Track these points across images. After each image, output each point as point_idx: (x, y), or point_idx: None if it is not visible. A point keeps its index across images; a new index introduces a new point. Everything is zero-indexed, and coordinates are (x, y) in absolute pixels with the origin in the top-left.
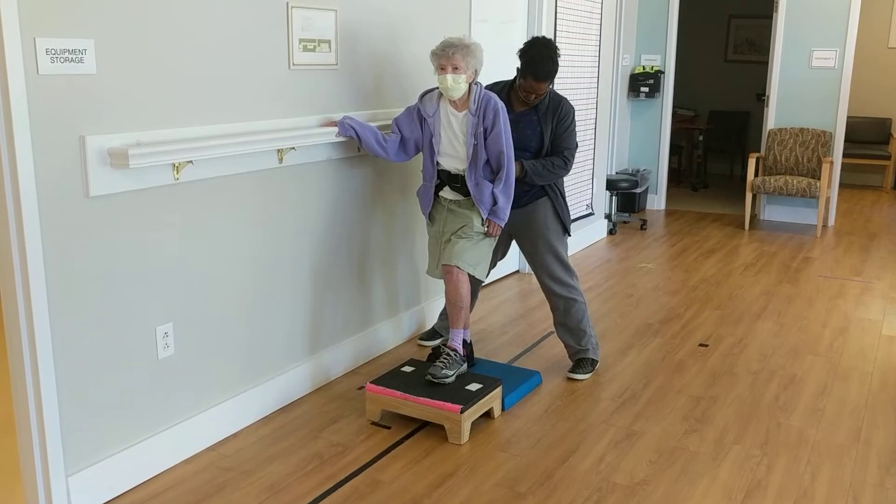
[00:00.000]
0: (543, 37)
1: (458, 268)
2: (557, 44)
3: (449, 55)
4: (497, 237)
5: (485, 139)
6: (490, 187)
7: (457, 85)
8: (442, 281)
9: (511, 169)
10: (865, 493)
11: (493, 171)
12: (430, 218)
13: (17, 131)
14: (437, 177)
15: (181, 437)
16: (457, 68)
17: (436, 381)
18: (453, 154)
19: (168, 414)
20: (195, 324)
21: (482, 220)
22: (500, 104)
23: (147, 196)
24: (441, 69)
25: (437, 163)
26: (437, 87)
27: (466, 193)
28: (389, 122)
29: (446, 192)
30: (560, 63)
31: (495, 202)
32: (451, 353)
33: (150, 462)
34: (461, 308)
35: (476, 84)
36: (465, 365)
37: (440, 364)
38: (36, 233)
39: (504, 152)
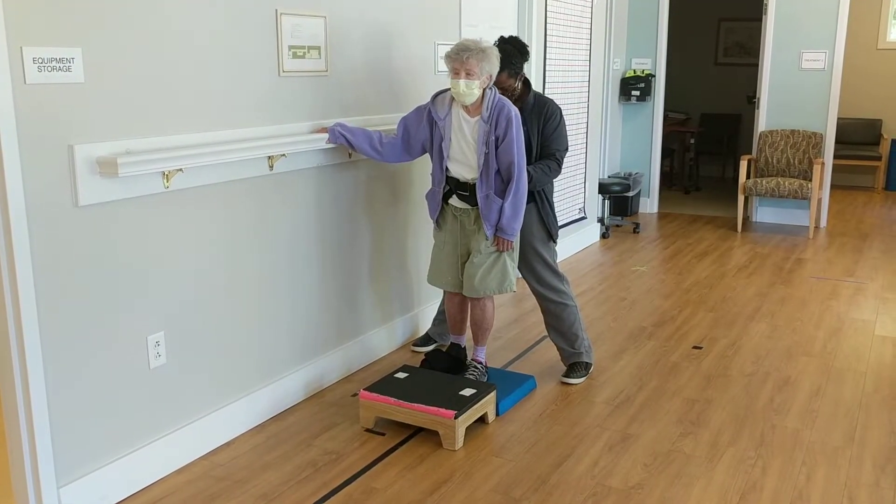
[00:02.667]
0: (510, 36)
1: (487, 295)
2: (547, 48)
3: (463, 59)
4: (515, 248)
5: (496, 148)
6: (499, 203)
7: (470, 91)
8: (437, 287)
9: (522, 180)
10: (861, 493)
11: (504, 182)
12: (438, 224)
13: (5, 141)
14: (445, 182)
15: (174, 447)
16: (470, 73)
17: None
18: (463, 161)
19: (160, 423)
20: (187, 333)
21: (488, 239)
22: (515, 111)
23: (137, 205)
24: (454, 73)
25: (447, 168)
26: (450, 89)
27: (474, 203)
28: (381, 127)
29: (454, 200)
30: (524, 56)
31: (501, 217)
32: (478, 366)
33: (142, 472)
34: (487, 329)
35: (490, 89)
36: (487, 375)
37: (471, 377)
38: (25, 243)
39: (515, 162)
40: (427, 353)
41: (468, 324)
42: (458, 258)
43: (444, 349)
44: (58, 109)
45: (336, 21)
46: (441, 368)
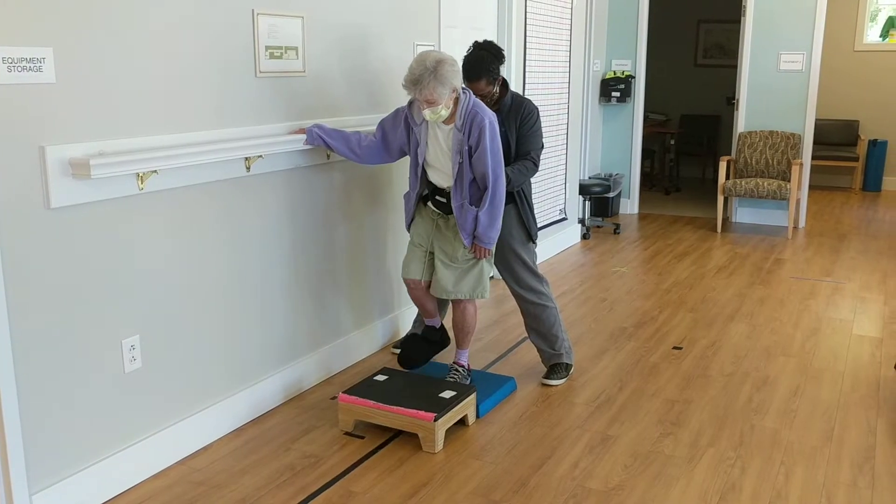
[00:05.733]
0: (485, 41)
1: (459, 299)
2: (527, 49)
3: (417, 94)
4: (492, 255)
5: (470, 157)
6: (474, 213)
7: (437, 115)
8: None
9: (498, 188)
10: (839, 492)
11: (481, 190)
12: (410, 226)
13: None
14: (422, 187)
15: (150, 452)
16: (430, 102)
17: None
18: (440, 168)
19: (136, 428)
20: (163, 336)
21: (465, 247)
22: (489, 118)
23: (111, 207)
24: (418, 101)
25: (425, 172)
26: None
27: (450, 211)
28: (358, 129)
29: (431, 204)
30: (501, 60)
31: (477, 225)
32: (460, 369)
33: (118, 478)
34: (468, 332)
35: (464, 92)
36: (470, 378)
37: (452, 380)
38: None
39: (489, 172)
40: (402, 343)
41: (440, 308)
42: (425, 254)
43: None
44: (29, 110)
45: (314, 21)
46: (423, 356)
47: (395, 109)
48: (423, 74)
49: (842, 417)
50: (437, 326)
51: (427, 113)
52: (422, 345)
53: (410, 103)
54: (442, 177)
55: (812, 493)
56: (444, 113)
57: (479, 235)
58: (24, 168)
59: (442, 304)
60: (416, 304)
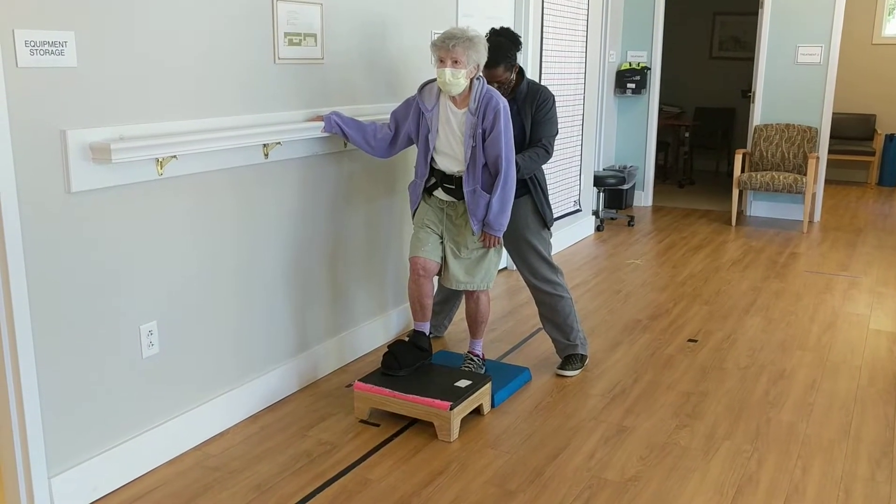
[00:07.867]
0: (502, 27)
1: (476, 289)
2: (544, 39)
3: (449, 48)
4: (501, 246)
5: (483, 141)
6: (486, 199)
7: (456, 80)
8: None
9: (509, 174)
10: (856, 486)
11: (492, 176)
12: (416, 213)
13: None
14: (430, 176)
15: (166, 437)
16: (457, 62)
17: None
18: (450, 154)
19: (153, 413)
20: (180, 322)
21: (474, 234)
22: (503, 103)
23: (130, 192)
24: (440, 62)
25: (433, 159)
26: (437, 79)
27: (461, 196)
28: (375, 117)
29: (439, 193)
30: (518, 47)
31: (488, 212)
32: (475, 359)
33: (134, 462)
34: (482, 322)
35: (478, 79)
36: (485, 368)
37: (467, 370)
38: (16, 229)
39: (502, 156)
40: (391, 345)
41: (445, 315)
42: (439, 238)
43: (406, 339)
44: (50, 94)
45: (332, 9)
46: (411, 362)
47: (406, 99)
48: (460, 35)
49: (859, 412)
50: (427, 333)
51: (448, 73)
52: (412, 350)
53: (421, 90)
54: (452, 162)
55: (830, 487)
56: (463, 83)
57: (490, 222)
58: (45, 152)
59: (446, 311)
60: (413, 296)
